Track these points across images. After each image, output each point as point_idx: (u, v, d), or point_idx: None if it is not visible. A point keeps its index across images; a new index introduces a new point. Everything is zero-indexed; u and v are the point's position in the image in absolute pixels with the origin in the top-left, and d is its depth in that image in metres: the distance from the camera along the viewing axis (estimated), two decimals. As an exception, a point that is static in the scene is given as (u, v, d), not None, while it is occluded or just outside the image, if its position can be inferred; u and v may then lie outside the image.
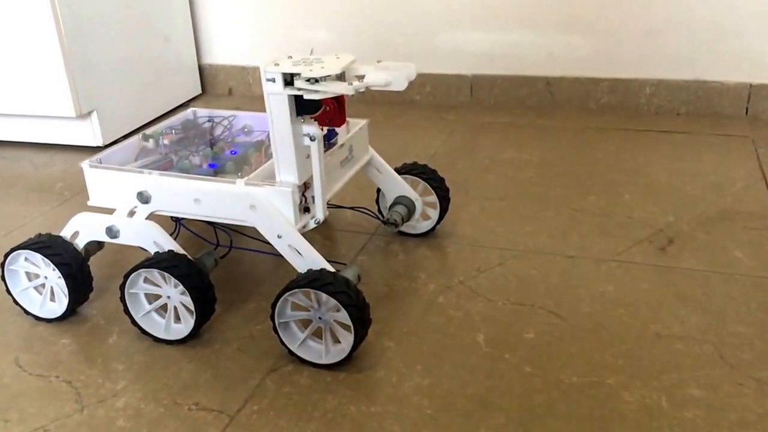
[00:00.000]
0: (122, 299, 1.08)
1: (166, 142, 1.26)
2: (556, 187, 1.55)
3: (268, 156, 1.20)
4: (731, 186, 1.51)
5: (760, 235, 1.30)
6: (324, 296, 0.98)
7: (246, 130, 1.34)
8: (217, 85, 2.42)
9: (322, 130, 1.03)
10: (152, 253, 1.09)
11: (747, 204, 1.43)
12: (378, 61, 1.01)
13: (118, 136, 1.99)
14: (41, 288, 1.16)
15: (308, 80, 0.95)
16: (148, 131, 1.28)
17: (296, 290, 0.99)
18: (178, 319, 1.09)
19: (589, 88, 2.05)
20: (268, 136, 1.28)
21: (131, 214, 1.12)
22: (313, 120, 1.02)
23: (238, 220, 1.07)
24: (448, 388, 0.96)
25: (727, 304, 1.11)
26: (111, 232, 1.12)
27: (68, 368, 1.05)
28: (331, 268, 1.02)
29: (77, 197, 1.65)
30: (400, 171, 1.32)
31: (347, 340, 0.99)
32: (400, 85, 0.94)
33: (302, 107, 1.01)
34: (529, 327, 1.08)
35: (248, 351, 1.06)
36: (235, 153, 1.26)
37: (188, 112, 1.37)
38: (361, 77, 0.98)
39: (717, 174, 1.57)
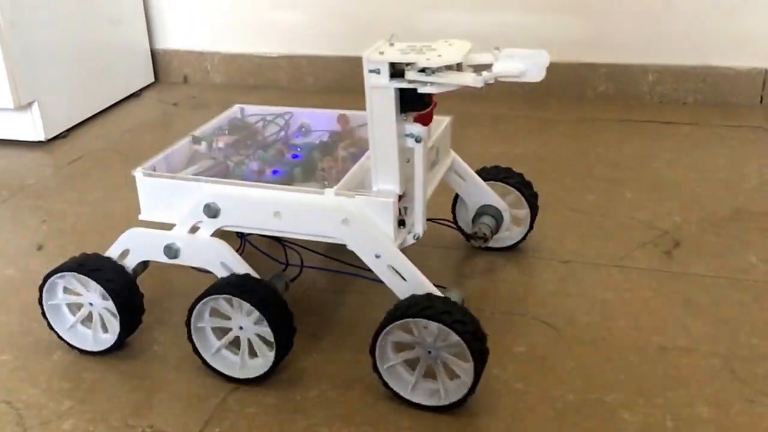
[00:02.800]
0: (190, 338, 0.92)
1: (220, 145, 1.09)
2: (551, 184, 1.42)
3: (344, 160, 1.05)
4: (744, 183, 1.40)
5: None
6: (440, 328, 0.83)
7: (303, 129, 1.18)
8: (171, 72, 2.22)
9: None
10: (218, 276, 0.93)
11: (761, 203, 1.32)
12: (496, 48, 0.86)
13: (62, 130, 1.81)
14: (87, 318, 1.00)
15: (423, 71, 0.80)
16: (197, 133, 1.11)
17: (401, 321, 0.83)
18: (251, 353, 0.93)
19: (585, 75, 1.89)
20: (331, 136, 1.13)
21: (194, 230, 0.95)
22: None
23: (326, 237, 0.91)
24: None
25: (738, 313, 1.02)
26: (170, 251, 0.95)
27: (8, 387, 0.94)
28: (438, 293, 0.87)
29: (16, 198, 1.48)
30: (483, 176, 1.16)
31: (466, 370, 0.84)
32: (536, 76, 0.80)
33: (406, 103, 0.86)
34: (521, 339, 0.99)
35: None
36: (297, 157, 1.10)
37: (235, 110, 1.21)
38: (483, 67, 0.83)
39: (728, 170, 1.46)
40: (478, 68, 0.84)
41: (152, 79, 2.21)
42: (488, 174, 1.17)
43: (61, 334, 1.00)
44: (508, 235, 1.19)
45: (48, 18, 1.77)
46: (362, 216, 0.88)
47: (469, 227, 1.17)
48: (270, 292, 0.90)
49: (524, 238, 1.19)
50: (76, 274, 0.96)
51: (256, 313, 0.89)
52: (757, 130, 1.64)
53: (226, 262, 0.94)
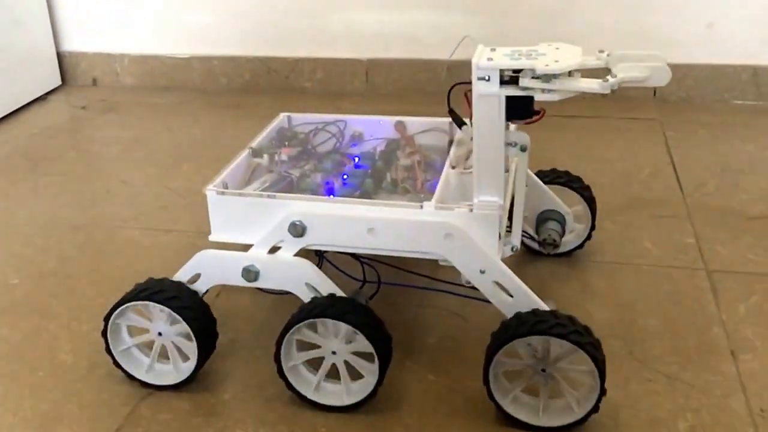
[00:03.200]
0: (282, 375, 0.87)
1: (284, 157, 1.03)
2: None
3: (419, 169, 1.00)
4: (639, 172, 1.44)
5: (669, 223, 1.25)
6: (558, 343, 0.79)
7: (358, 137, 1.13)
8: (79, 75, 2.11)
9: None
10: (303, 299, 0.88)
11: (655, 191, 1.37)
12: (601, 52, 0.83)
13: None
14: (146, 347, 0.93)
15: (536, 77, 0.76)
16: (254, 145, 1.04)
17: (517, 340, 0.80)
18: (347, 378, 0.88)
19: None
20: (389, 144, 1.08)
21: (273, 250, 0.89)
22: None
23: (424, 254, 0.86)
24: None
25: (635, 297, 1.06)
26: (249, 274, 0.89)
27: None
28: (545, 306, 0.84)
29: None
30: (543, 180, 1.13)
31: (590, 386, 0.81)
32: (662, 80, 0.76)
33: (512, 111, 0.82)
34: (434, 331, 0.99)
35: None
36: (361, 167, 1.05)
37: (282, 119, 1.14)
38: (589, 72, 0.79)
39: (625, 160, 1.50)
40: (587, 73, 0.80)
41: (59, 82, 2.10)
42: (548, 177, 1.14)
43: (140, 377, 0.92)
44: (569, 239, 1.17)
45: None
46: (466, 230, 0.84)
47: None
48: (370, 313, 0.85)
49: (587, 240, 1.17)
50: (149, 303, 0.88)
51: (351, 334, 0.84)
52: (651, 122, 1.68)
53: (312, 282, 0.88)
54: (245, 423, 0.87)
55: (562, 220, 1.11)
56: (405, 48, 1.91)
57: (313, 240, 0.88)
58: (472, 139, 0.92)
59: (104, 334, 0.91)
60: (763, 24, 1.73)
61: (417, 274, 1.02)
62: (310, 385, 0.88)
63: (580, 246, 1.17)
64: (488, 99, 0.80)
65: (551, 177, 1.15)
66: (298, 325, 0.84)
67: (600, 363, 0.79)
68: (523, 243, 1.08)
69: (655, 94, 1.81)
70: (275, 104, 1.75)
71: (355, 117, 1.14)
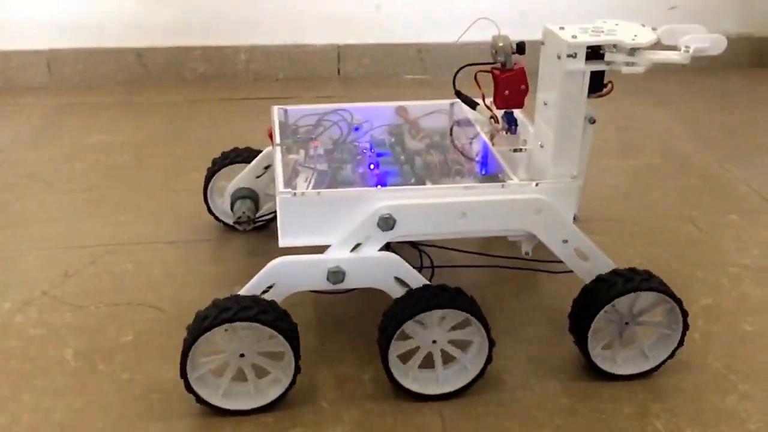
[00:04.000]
0: (389, 373, 0.84)
1: (320, 150, 0.98)
2: (153, 169, 1.43)
3: (456, 151, 1.01)
4: None
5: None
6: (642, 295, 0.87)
7: (358, 124, 1.11)
8: None
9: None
10: (392, 295, 0.86)
11: None
12: (643, 26, 0.89)
13: None
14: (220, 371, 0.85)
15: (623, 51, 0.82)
16: (283, 141, 0.98)
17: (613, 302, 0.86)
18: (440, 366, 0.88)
19: (182, 58, 1.89)
20: (392, 129, 1.08)
21: (355, 248, 0.85)
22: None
23: (510, 231, 0.88)
24: (29, 422, 0.84)
25: None
26: (336, 276, 0.84)
27: None
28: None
29: None
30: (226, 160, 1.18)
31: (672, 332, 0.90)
32: (719, 48, 0.84)
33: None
34: (128, 328, 0.98)
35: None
36: (383, 155, 1.03)
37: (278, 112, 1.08)
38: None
39: None
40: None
41: None
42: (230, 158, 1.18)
43: (215, 403, 0.83)
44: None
45: None
46: (552, 204, 0.87)
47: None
48: (464, 295, 0.85)
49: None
50: (234, 324, 0.80)
51: (450, 322, 0.84)
52: (338, 100, 1.67)
53: (402, 276, 0.86)
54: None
55: (255, 197, 1.14)
56: (90, 36, 1.85)
57: (403, 232, 0.85)
58: (493, 118, 0.97)
59: (183, 367, 0.81)
60: (423, 6, 1.91)
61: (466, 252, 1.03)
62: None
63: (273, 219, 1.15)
64: (575, 75, 0.83)
65: (232, 157, 1.18)
66: (407, 323, 0.82)
67: (680, 304, 0.87)
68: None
69: (339, 73, 1.93)
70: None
71: (355, 105, 1.11)
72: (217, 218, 1.22)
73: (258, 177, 1.14)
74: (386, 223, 0.84)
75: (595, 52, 0.83)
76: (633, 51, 0.81)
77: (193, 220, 1.24)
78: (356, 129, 1.09)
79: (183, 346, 0.80)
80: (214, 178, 1.19)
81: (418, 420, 0.85)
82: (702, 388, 0.90)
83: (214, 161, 1.20)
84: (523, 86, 0.95)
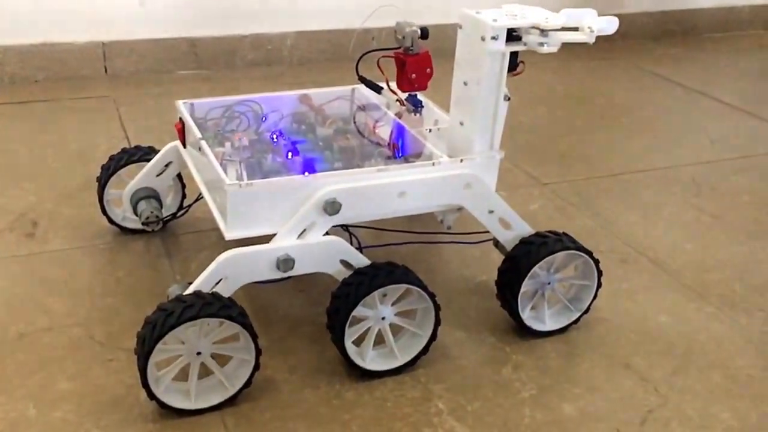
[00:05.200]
0: (343, 352, 0.86)
1: (245, 142, 0.96)
2: None
3: (363, 134, 1.04)
4: (95, 151, 1.42)
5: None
6: (567, 254, 0.96)
7: (263, 114, 1.10)
8: None
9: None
10: (338, 277, 0.88)
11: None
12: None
13: None
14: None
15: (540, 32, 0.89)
16: (204, 135, 0.95)
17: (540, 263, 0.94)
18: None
19: None
20: (297, 117, 1.09)
21: (301, 234, 0.86)
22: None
23: (442, 206, 0.93)
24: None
25: (92, 279, 1.05)
26: (286, 264, 0.85)
27: None
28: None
29: None
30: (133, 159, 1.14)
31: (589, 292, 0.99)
32: (612, 29, 0.94)
33: (502, 66, 0.93)
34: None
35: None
36: (299, 142, 1.04)
37: (185, 106, 1.05)
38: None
39: (80, 141, 1.46)
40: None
41: None
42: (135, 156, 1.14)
43: (189, 407, 0.81)
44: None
45: None
46: (479, 177, 0.93)
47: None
48: (407, 270, 0.89)
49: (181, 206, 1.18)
50: (193, 322, 0.78)
51: (393, 296, 0.88)
52: (103, 99, 1.68)
53: (348, 258, 0.88)
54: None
55: (157, 196, 1.11)
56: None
57: (348, 215, 0.87)
58: (399, 101, 1.02)
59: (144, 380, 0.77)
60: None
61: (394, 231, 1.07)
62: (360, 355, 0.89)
63: (174, 215, 1.16)
64: (496, 56, 0.89)
65: (140, 154, 1.14)
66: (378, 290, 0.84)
67: (594, 257, 0.97)
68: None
69: (106, 72, 1.83)
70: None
71: (260, 95, 1.10)
72: (112, 222, 1.16)
73: (158, 175, 1.10)
74: (332, 207, 0.85)
75: (511, 35, 0.89)
76: (545, 32, 0.89)
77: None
78: (264, 119, 1.08)
79: (138, 367, 0.77)
80: (110, 180, 1.13)
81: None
82: (480, 363, 0.94)
83: (106, 164, 1.14)
84: (428, 69, 1.00)
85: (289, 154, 0.99)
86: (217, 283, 0.83)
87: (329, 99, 1.13)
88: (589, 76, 2.05)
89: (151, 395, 0.79)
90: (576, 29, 0.91)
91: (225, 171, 0.90)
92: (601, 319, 1.03)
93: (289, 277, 0.88)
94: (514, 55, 0.92)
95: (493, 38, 0.87)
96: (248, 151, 0.96)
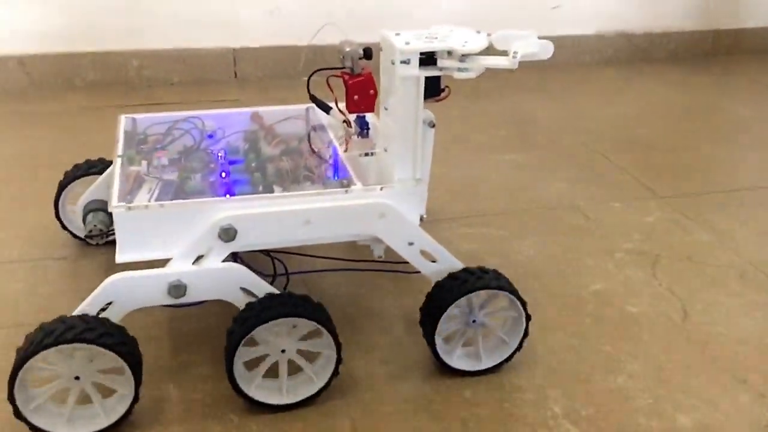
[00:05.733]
0: (231, 379, 0.83)
1: (164, 161, 0.95)
2: (43, 181, 1.30)
3: (305, 156, 1.01)
4: None
5: None
6: (481, 296, 0.89)
7: (211, 132, 1.09)
8: None
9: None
10: (238, 305, 0.85)
11: None
12: (481, 32, 0.92)
13: None
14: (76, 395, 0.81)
15: (450, 56, 0.84)
16: (125, 153, 0.95)
17: (459, 300, 0.88)
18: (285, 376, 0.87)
19: (69, 65, 1.86)
20: (248, 135, 1.07)
21: (197, 260, 0.84)
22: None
23: (355, 236, 0.89)
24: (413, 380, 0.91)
25: None
26: (177, 290, 0.82)
27: None
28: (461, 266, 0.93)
29: None
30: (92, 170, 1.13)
31: (513, 337, 0.92)
32: (547, 53, 0.88)
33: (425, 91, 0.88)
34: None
35: None
36: (235, 162, 1.02)
37: (126, 122, 1.05)
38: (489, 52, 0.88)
39: None
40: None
41: None
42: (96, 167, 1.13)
43: (25, 413, 0.79)
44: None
45: None
46: (395, 207, 0.88)
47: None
48: (319, 306, 0.85)
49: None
50: (66, 345, 0.77)
51: (302, 331, 0.83)
52: (236, 103, 1.76)
53: (248, 286, 0.85)
54: None
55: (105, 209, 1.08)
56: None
57: (245, 241, 0.84)
58: (346, 122, 0.97)
59: (11, 397, 0.77)
60: (318, 7, 1.94)
61: (325, 257, 1.03)
62: (271, 391, 0.86)
63: None
64: (409, 81, 0.84)
65: (101, 167, 1.13)
66: (268, 323, 0.81)
67: (520, 296, 0.90)
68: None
69: (236, 76, 1.98)
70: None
71: (208, 112, 1.09)
72: (72, 233, 1.17)
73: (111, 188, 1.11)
74: (227, 233, 0.83)
75: (429, 58, 0.84)
76: (464, 57, 0.83)
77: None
78: (210, 136, 1.07)
79: (10, 373, 0.76)
80: (65, 191, 1.14)
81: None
82: (594, 369, 0.95)
83: (66, 173, 1.15)
84: (372, 91, 0.95)
85: (223, 174, 0.98)
86: (106, 307, 0.82)
87: (280, 118, 1.10)
88: (709, 89, 2.05)
89: (13, 403, 0.77)
90: (505, 53, 0.85)
91: (138, 190, 0.90)
92: (717, 334, 1.02)
93: (196, 303, 0.85)
94: (435, 80, 0.86)
95: (404, 62, 0.83)
96: (171, 170, 0.95)
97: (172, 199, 0.88)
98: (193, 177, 0.96)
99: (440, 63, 0.84)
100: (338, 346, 0.84)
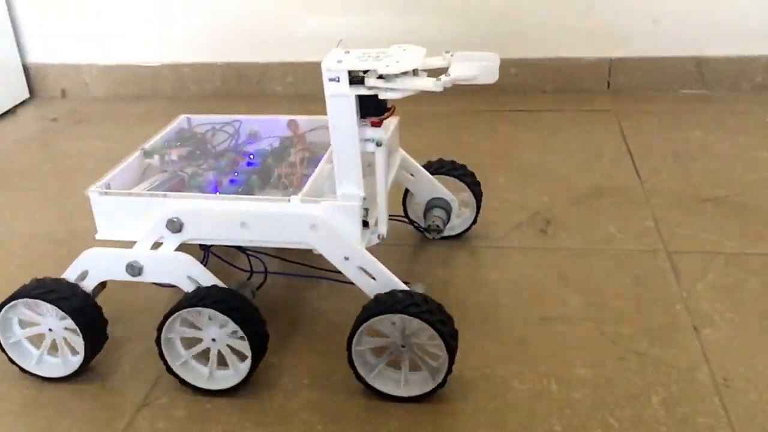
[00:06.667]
0: (159, 348, 0.92)
1: (173, 157, 1.08)
2: None
3: (300, 165, 1.06)
4: (599, 162, 1.52)
5: (629, 208, 1.32)
6: (407, 320, 0.86)
7: (253, 136, 1.19)
8: (47, 86, 2.11)
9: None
10: (186, 291, 0.93)
11: (615, 179, 1.44)
12: (447, 52, 0.89)
13: None
14: (37, 340, 0.98)
15: (382, 77, 0.83)
16: (147, 146, 1.10)
17: (374, 319, 0.86)
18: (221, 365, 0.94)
19: None
20: (282, 142, 1.14)
21: (156, 245, 0.95)
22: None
23: (293, 244, 0.93)
24: (338, 399, 0.91)
25: (604, 280, 1.12)
26: (133, 269, 0.94)
27: None
28: (403, 287, 0.90)
29: None
30: (429, 170, 1.20)
31: (434, 361, 0.88)
32: (489, 78, 0.83)
33: (365, 109, 0.88)
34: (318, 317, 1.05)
35: (115, 388, 0.96)
36: (252, 165, 1.10)
37: (181, 120, 1.20)
38: (437, 71, 0.85)
39: (585, 150, 1.57)
40: (432, 73, 0.86)
41: (27, 95, 2.10)
42: (433, 168, 1.21)
43: (30, 369, 0.97)
44: (458, 223, 1.25)
45: None
46: (329, 221, 0.90)
47: (421, 221, 1.21)
48: (245, 301, 0.91)
49: (473, 223, 1.25)
50: (28, 300, 0.93)
51: (230, 324, 0.89)
52: (607, 113, 1.76)
53: (193, 275, 0.93)
54: (243, 426, 0.88)
55: (447, 207, 1.18)
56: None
57: (192, 235, 0.93)
58: None
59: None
60: (704, 17, 1.83)
61: (304, 264, 1.08)
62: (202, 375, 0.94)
63: (468, 229, 1.25)
64: (339, 99, 0.86)
65: (436, 167, 1.21)
66: (182, 311, 0.90)
67: (445, 336, 0.85)
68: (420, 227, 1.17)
69: (609, 87, 1.92)
70: (248, 109, 1.77)
71: (252, 117, 1.20)
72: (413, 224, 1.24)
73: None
74: (173, 225, 0.93)
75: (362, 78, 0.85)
76: (391, 77, 0.82)
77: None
78: (250, 143, 1.17)
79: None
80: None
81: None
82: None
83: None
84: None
85: (236, 174, 1.08)
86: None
87: (313, 126, 1.17)
88: None
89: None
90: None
91: (143, 180, 1.05)
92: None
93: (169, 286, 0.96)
94: (376, 99, 0.86)
95: (333, 80, 0.84)
96: (180, 165, 1.07)
97: (165, 192, 1.00)
98: (205, 174, 1.07)
99: (367, 82, 0.84)
100: (254, 349, 0.89)
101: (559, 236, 1.24)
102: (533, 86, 1.94)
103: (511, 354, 0.97)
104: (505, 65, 1.84)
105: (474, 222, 1.25)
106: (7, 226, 1.40)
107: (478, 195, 1.23)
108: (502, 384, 0.92)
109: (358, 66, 0.84)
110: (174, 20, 2.02)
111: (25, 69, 2.10)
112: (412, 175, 1.18)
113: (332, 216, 0.90)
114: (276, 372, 0.96)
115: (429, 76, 0.86)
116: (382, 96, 0.84)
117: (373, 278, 0.91)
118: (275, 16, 1.98)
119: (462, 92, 1.87)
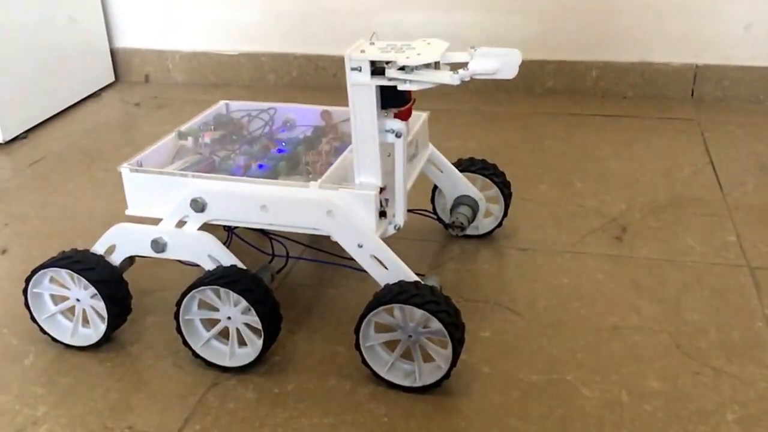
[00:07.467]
0: (179, 329, 0.95)
1: (207, 140, 1.12)
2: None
3: (328, 153, 1.08)
4: (680, 171, 1.48)
5: (710, 221, 1.29)
6: (414, 311, 0.87)
7: (288, 124, 1.21)
8: (132, 71, 2.17)
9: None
10: (206, 269, 0.96)
11: (696, 190, 1.40)
12: (471, 47, 0.89)
13: (21, 131, 1.78)
14: (69, 312, 1.02)
15: (402, 69, 0.84)
16: (183, 128, 1.13)
17: (380, 309, 0.87)
18: (235, 343, 0.97)
19: (534, 71, 1.92)
20: (315, 131, 1.16)
21: (181, 224, 0.98)
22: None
23: (310, 229, 0.94)
24: (404, 393, 0.91)
25: (681, 292, 1.09)
26: (157, 245, 0.98)
27: (-22, 395, 0.94)
28: (419, 280, 0.91)
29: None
30: (458, 168, 1.20)
31: (442, 356, 0.89)
32: (509, 73, 0.83)
33: (386, 100, 0.89)
34: (485, 324, 1.03)
35: (185, 366, 0.97)
36: (282, 151, 1.13)
37: (221, 105, 1.23)
38: (459, 65, 0.86)
39: (665, 159, 1.53)
40: (455, 66, 0.87)
41: (112, 79, 2.16)
42: (463, 165, 1.21)
43: (39, 321, 1.01)
44: (485, 223, 1.24)
45: (4, 17, 1.73)
46: (345, 208, 0.91)
47: (447, 217, 1.21)
48: (255, 281, 0.93)
49: (499, 225, 1.24)
50: (61, 269, 0.97)
51: (244, 303, 0.92)
52: (689, 122, 1.71)
53: (214, 254, 0.96)
54: (310, 413, 0.89)
55: (474, 205, 1.18)
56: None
57: (214, 215, 0.96)
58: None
59: (26, 304, 1.01)
60: None
61: (322, 250, 1.10)
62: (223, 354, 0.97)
63: (498, 226, 1.24)
64: (361, 88, 0.87)
65: (466, 165, 1.22)
66: (199, 289, 0.93)
67: (457, 345, 0.86)
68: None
69: (692, 95, 1.85)
70: (324, 101, 1.81)
71: (286, 105, 1.22)
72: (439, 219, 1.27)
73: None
74: (197, 205, 0.96)
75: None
76: (410, 69, 0.83)
77: (544, 229, 1.29)
78: (282, 131, 1.20)
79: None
80: None
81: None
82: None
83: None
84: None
85: (265, 159, 1.11)
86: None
87: (346, 117, 1.18)
88: None
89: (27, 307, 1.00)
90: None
91: (177, 159, 1.08)
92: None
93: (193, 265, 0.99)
94: (397, 90, 0.87)
95: (355, 69, 0.86)
96: (213, 148, 1.10)
97: (197, 172, 1.03)
98: (235, 158, 1.10)
99: (388, 73, 0.85)
100: (265, 328, 0.91)
101: (635, 245, 1.22)
102: (614, 91, 1.90)
103: (581, 361, 0.96)
104: (587, 68, 1.91)
105: (500, 224, 1.24)
106: (88, 206, 1.44)
107: (507, 196, 1.22)
108: (571, 390, 0.91)
109: (380, 57, 0.85)
110: (255, 10, 2.06)
111: (113, 53, 2.16)
112: (441, 171, 1.18)
113: (349, 203, 0.91)
114: (344, 360, 0.97)
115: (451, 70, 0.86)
116: (401, 87, 0.85)
117: (386, 267, 0.92)
118: (355, 9, 1.99)
119: (540, 94, 1.91)
